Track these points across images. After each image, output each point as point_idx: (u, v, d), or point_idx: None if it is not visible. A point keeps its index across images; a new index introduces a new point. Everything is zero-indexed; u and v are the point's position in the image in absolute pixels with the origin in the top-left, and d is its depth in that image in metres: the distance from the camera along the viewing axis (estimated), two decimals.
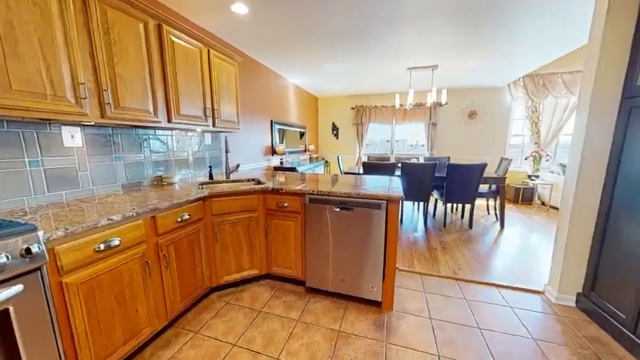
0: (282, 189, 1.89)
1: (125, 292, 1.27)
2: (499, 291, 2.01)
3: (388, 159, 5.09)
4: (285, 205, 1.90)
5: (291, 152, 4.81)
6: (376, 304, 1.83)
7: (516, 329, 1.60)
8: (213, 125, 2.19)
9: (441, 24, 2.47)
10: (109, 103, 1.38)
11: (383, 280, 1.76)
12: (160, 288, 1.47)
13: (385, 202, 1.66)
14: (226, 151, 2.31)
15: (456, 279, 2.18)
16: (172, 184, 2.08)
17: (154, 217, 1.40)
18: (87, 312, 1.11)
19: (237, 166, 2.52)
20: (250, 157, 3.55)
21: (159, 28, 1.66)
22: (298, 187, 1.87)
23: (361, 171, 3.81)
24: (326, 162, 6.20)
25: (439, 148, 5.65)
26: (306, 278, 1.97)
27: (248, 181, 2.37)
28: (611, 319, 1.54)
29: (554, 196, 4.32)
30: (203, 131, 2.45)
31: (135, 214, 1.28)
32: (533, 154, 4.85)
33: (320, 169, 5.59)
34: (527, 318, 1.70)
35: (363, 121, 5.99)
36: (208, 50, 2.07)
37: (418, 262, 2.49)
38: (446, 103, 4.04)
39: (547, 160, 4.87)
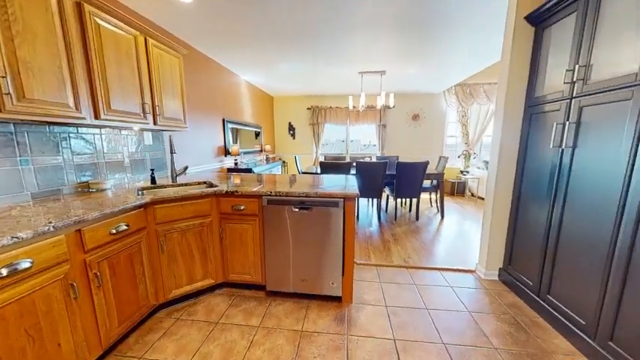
0: (237, 191, 1.80)
1: (41, 325, 1.04)
2: (441, 273, 2.28)
3: (344, 158, 5.28)
4: (242, 207, 1.81)
5: (246, 153, 4.61)
6: (337, 300, 1.88)
7: (455, 305, 1.84)
8: (155, 123, 1.96)
9: (386, 33, 2.68)
10: (8, 93, 1.12)
11: (342, 276, 1.82)
12: (90, 313, 1.26)
13: (342, 200, 1.72)
14: (171, 152, 2.09)
15: (407, 267, 2.39)
16: (103, 190, 1.79)
17: (79, 230, 1.19)
18: None
19: (185, 168, 2.31)
20: (200, 158, 3.29)
21: (79, 7, 1.40)
22: (255, 189, 1.81)
23: (319, 170, 3.87)
24: (283, 162, 6.12)
25: (389, 147, 6.11)
26: (266, 282, 1.91)
27: (199, 184, 2.19)
28: (523, 287, 1.89)
29: (481, 188, 5.09)
30: (142, 129, 2.18)
31: (52, 228, 1.06)
32: (464, 152, 5.63)
33: (277, 170, 5.49)
34: (464, 294, 1.97)
35: (319, 122, 6.10)
36: (145, 39, 1.84)
37: (374, 254, 2.65)
38: (394, 106, 4.39)
39: (474, 158, 5.70)
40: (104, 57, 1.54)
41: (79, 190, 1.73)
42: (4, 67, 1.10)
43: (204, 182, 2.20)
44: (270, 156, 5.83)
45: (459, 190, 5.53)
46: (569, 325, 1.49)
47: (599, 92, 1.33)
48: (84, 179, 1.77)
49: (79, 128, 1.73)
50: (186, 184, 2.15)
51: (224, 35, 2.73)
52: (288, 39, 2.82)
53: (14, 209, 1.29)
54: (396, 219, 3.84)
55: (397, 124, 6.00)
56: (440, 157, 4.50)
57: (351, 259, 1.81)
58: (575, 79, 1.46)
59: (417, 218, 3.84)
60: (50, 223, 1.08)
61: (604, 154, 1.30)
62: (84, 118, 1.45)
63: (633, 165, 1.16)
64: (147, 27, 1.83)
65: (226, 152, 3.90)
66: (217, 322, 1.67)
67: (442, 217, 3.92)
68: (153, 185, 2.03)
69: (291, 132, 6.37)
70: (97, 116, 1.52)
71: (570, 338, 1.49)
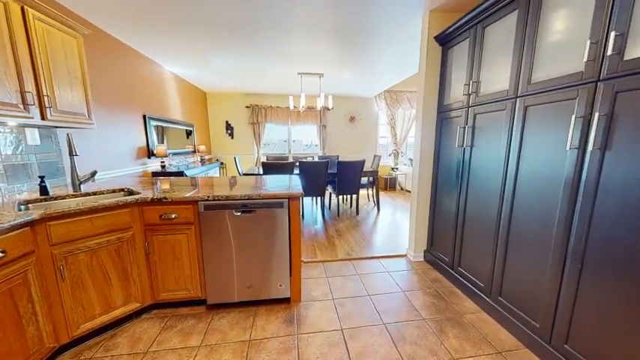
0: (166, 198, 1.58)
1: None
2: (379, 261, 2.51)
3: (287, 158, 5.26)
4: (173, 216, 1.60)
5: (175, 154, 4.09)
6: (286, 301, 1.87)
7: (392, 288, 2.06)
8: (43, 117, 1.54)
9: (323, 37, 2.78)
10: None
11: (290, 276, 1.81)
12: None
13: (287, 200, 1.71)
14: (71, 154, 1.69)
15: (350, 259, 2.55)
16: None
17: None
18: None
19: (94, 173, 1.89)
20: (115, 161, 2.75)
21: None
22: (189, 194, 1.62)
23: (261, 171, 3.75)
24: (222, 164, 5.68)
25: (329, 147, 6.37)
26: (206, 295, 1.74)
27: (114, 192, 1.83)
28: (442, 264, 2.26)
29: (408, 182, 5.84)
30: (23, 125, 1.68)
31: None
32: (394, 151, 6.35)
33: (215, 172, 5.06)
34: (398, 277, 2.22)
35: (260, 121, 5.90)
36: (23, 8, 1.42)
37: (320, 251, 2.73)
38: (332, 108, 4.60)
39: (402, 156, 6.49)
40: None
41: None
42: None
43: (122, 189, 1.85)
44: (206, 157, 5.33)
45: (391, 185, 6.20)
46: (474, 288, 1.86)
47: (486, 103, 1.69)
48: None
49: None
50: (95, 193, 1.77)
51: (142, 20, 2.35)
52: (222, 31, 2.62)
53: None
54: (339, 215, 4.05)
55: (336, 125, 6.31)
56: (374, 156, 4.95)
57: (298, 259, 1.82)
58: (470, 92, 1.82)
59: (357, 213, 4.13)
60: None
61: (491, 151, 1.67)
62: None
63: (508, 158, 1.52)
64: None
65: (150, 154, 3.38)
66: (146, 351, 1.44)
67: (378, 210, 4.33)
68: (44, 197, 1.60)
69: (229, 131, 5.96)
70: None
71: (474, 299, 1.85)
